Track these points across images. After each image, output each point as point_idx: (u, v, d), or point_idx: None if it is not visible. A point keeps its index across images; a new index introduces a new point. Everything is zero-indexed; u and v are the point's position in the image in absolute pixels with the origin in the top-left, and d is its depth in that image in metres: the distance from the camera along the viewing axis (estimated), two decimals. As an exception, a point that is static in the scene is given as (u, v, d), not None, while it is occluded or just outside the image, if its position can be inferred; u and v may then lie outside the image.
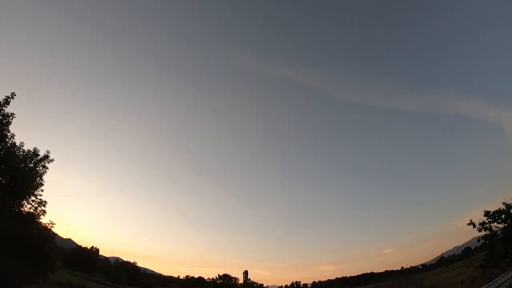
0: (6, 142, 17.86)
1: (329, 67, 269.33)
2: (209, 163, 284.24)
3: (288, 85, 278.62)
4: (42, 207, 19.07)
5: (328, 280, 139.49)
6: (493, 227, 22.91)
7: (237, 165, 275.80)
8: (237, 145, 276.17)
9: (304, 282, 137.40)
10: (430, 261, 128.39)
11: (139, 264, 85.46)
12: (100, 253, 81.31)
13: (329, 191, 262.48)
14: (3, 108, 17.57)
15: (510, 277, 4.57)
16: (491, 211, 23.11)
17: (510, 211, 22.20)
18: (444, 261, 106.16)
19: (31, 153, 18.74)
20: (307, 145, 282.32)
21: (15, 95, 17.90)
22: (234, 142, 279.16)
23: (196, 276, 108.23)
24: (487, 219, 23.17)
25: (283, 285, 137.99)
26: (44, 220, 19.46)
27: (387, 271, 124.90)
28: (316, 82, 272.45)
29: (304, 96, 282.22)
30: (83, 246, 74.57)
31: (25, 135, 19.44)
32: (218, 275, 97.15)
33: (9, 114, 17.71)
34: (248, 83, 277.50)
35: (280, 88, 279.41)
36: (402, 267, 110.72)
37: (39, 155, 19.09)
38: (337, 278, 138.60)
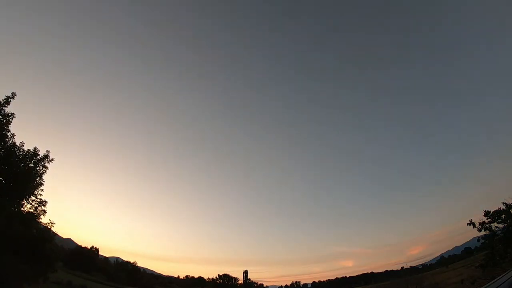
0: (6, 142, 17.90)
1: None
2: (208, 162, 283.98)
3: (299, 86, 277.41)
4: (42, 206, 19.12)
5: (328, 280, 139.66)
6: (493, 227, 22.97)
7: (236, 164, 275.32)
8: (238, 142, 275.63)
9: (304, 282, 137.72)
10: (430, 261, 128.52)
11: (139, 264, 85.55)
12: (100, 253, 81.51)
13: (330, 190, 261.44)
14: (3, 108, 17.62)
15: (510, 277, 4.58)
16: (491, 211, 23.17)
17: (510, 211, 22.25)
18: (444, 261, 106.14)
19: (31, 153, 18.76)
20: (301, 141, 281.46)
21: (15, 95, 17.95)
22: (234, 139, 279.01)
23: (196, 276, 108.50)
24: (487, 219, 23.24)
25: (283, 285, 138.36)
26: (44, 220, 19.54)
27: (387, 271, 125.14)
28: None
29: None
30: (83, 246, 74.80)
31: (25, 135, 19.49)
32: (218, 275, 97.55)
33: (10, 114, 17.75)
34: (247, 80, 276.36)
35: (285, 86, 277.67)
36: (402, 267, 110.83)
37: (39, 155, 19.11)
38: (337, 278, 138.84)
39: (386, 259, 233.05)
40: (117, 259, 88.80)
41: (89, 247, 74.59)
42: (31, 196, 18.86)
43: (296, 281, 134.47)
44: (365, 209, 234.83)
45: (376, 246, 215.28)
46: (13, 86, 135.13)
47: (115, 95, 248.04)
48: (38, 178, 19.13)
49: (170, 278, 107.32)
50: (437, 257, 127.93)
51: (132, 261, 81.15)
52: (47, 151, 19.49)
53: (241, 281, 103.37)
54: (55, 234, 23.51)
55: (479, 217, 23.65)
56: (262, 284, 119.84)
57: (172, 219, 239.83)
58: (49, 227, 19.71)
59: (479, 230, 23.51)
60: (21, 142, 18.49)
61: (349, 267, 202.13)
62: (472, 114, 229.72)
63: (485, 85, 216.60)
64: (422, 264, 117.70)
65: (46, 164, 19.39)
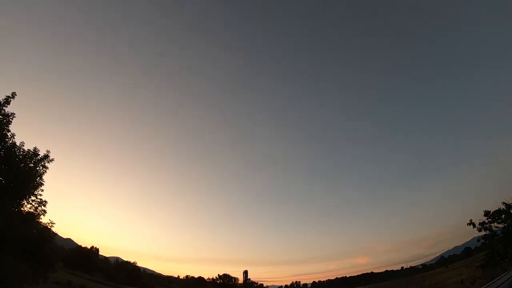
0: (6, 142, 17.89)
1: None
2: (208, 162, 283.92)
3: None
4: (42, 206, 19.10)
5: (328, 280, 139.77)
6: (493, 227, 22.95)
7: (237, 164, 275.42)
8: (238, 142, 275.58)
9: (304, 282, 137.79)
10: (430, 261, 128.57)
11: (139, 264, 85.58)
12: (100, 253, 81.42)
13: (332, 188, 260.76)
14: (3, 108, 17.61)
15: (510, 277, 4.57)
16: (491, 211, 23.15)
17: (510, 211, 22.24)
18: (444, 261, 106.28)
19: (31, 152, 18.74)
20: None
21: (15, 94, 17.95)
22: (235, 139, 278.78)
23: (196, 276, 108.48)
24: (487, 219, 23.21)
25: (283, 285, 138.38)
26: (44, 220, 19.54)
27: (387, 271, 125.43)
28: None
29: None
30: (83, 246, 74.77)
31: (25, 135, 19.49)
32: (218, 275, 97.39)
33: (10, 114, 17.75)
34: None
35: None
36: (402, 267, 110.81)
37: (39, 154, 19.10)
38: (337, 278, 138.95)
39: (396, 256, 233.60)
40: (117, 259, 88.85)
41: (89, 247, 74.66)
42: (31, 196, 18.82)
43: (296, 281, 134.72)
44: (372, 207, 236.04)
45: (388, 243, 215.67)
46: (13, 86, 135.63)
47: (115, 96, 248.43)
48: (38, 178, 19.09)
49: (170, 278, 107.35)
50: (437, 257, 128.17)
51: (132, 261, 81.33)
52: (47, 151, 19.49)
53: (241, 281, 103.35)
54: (55, 234, 23.54)
55: (479, 217, 23.68)
56: (262, 284, 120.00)
57: (172, 219, 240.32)
58: (49, 227, 19.75)
59: (479, 230, 23.49)
60: (21, 142, 18.49)
61: (364, 264, 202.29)
62: (472, 115, 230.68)
63: (487, 88, 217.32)
64: (422, 264, 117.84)
65: (46, 164, 19.37)
